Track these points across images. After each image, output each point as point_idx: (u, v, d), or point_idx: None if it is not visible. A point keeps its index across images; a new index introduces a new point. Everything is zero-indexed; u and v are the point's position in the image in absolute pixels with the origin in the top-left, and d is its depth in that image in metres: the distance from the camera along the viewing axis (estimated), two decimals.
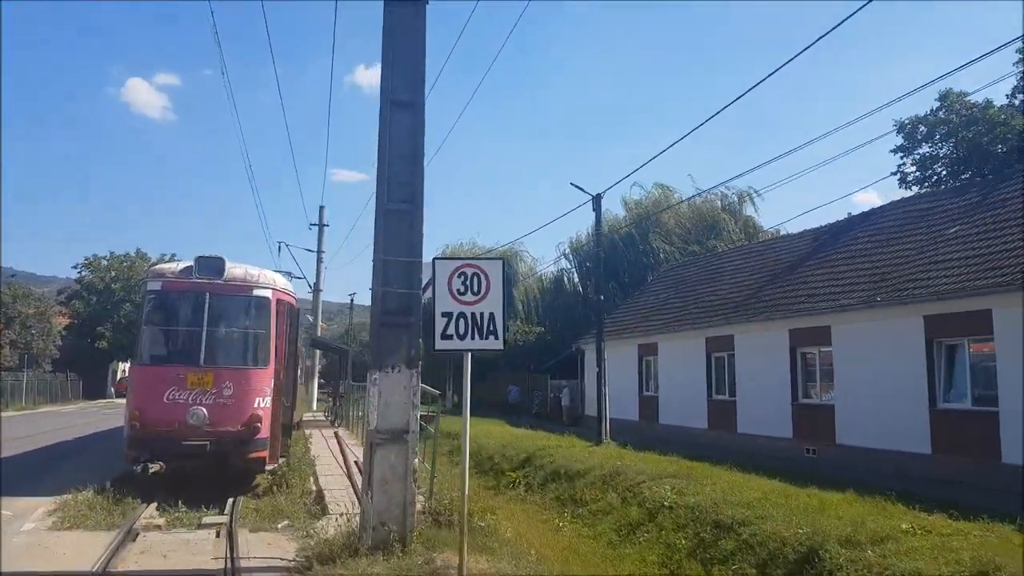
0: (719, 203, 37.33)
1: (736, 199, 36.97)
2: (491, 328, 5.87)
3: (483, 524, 7.55)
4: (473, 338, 5.88)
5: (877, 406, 14.78)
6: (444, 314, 5.89)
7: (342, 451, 11.41)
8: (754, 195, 37.13)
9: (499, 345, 5.95)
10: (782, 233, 30.36)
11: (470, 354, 6.00)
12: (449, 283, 5.94)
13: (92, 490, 10.34)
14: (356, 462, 10.82)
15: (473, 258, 6.26)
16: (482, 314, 5.90)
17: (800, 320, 17.17)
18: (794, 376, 17.52)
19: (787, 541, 8.32)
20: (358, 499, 9.03)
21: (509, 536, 7.41)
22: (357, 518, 7.09)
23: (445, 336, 5.86)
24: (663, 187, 39.34)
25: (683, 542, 9.71)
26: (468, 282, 5.93)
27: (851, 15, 9.61)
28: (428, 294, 7.10)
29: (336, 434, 13.36)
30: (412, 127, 6.78)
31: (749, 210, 37.79)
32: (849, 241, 18.93)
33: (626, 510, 11.74)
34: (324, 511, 9.22)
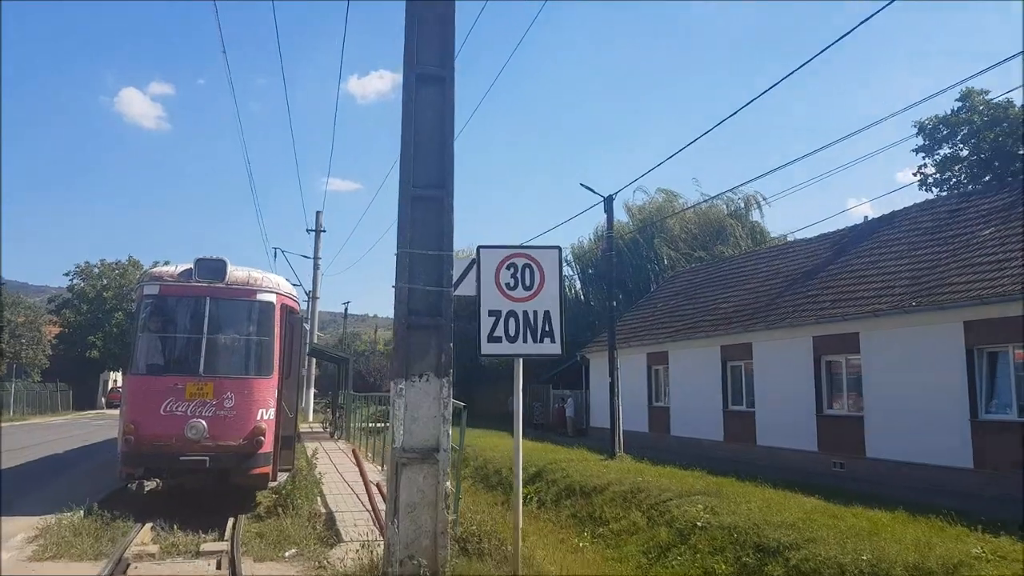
0: (725, 208, 36.71)
1: (743, 204, 36.39)
2: (547, 329, 5.00)
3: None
4: (526, 341, 5.01)
5: (912, 417, 14.04)
6: (491, 312, 5.04)
7: (360, 469, 10.58)
8: (761, 201, 36.58)
9: (557, 350, 5.09)
10: (789, 239, 29.74)
11: (521, 361, 5.16)
12: (496, 276, 5.09)
13: (79, 511, 9.46)
14: (378, 484, 9.98)
15: (524, 246, 5.42)
16: (535, 312, 5.04)
17: (825, 327, 16.44)
18: (819, 385, 16.77)
19: (846, 568, 7.55)
20: (377, 525, 8.21)
21: (553, 573, 6.55)
22: (378, 548, 6.27)
23: (492, 339, 5.02)
24: (667, 192, 38.79)
25: (723, 567, 8.94)
26: (519, 275, 5.08)
27: (868, 17, 8.99)
28: (457, 291, 6.31)
29: (354, 452, 12.57)
30: (440, 104, 5.99)
31: (756, 216, 37.25)
32: (872, 245, 18.25)
33: (654, 530, 10.96)
34: (337, 537, 8.35)
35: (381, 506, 8.69)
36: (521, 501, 5.48)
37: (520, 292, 5.13)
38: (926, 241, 16.33)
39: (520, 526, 5.38)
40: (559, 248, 5.37)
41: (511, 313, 5.10)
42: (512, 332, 5.07)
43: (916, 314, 13.99)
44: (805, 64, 9.67)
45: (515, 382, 5.22)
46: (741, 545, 9.21)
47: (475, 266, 6.70)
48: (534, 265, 5.15)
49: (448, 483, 5.81)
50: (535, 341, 5.09)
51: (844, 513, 9.80)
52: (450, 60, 6.03)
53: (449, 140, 5.98)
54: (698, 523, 10.26)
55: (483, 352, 5.12)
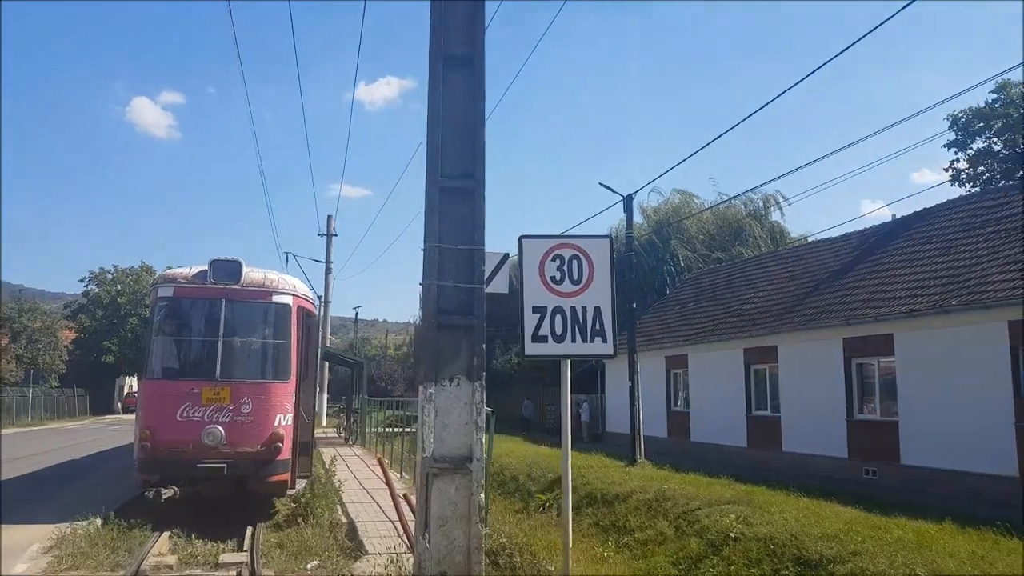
0: (744, 208, 36.05)
1: (762, 204, 35.70)
2: (597, 327, 4.55)
3: (552, 569, 6.36)
4: (574, 340, 4.54)
5: (950, 422, 13.50)
6: (536, 309, 4.56)
7: (387, 481, 10.26)
8: (781, 201, 35.86)
9: (608, 350, 4.64)
10: (810, 240, 29.15)
11: (568, 363, 4.73)
12: (541, 268, 4.61)
13: (96, 520, 9.21)
14: (404, 495, 9.63)
15: (571, 235, 4.98)
16: (584, 308, 4.58)
17: (856, 328, 15.91)
18: (849, 389, 16.24)
19: None
20: (406, 538, 7.85)
21: None
22: (406, 561, 5.90)
23: (537, 338, 4.55)
24: (683, 193, 38.16)
25: None
26: (566, 267, 4.60)
27: (894, 14, 8.53)
28: (488, 288, 5.92)
29: (380, 461, 12.29)
30: (470, 88, 5.57)
31: (775, 216, 36.49)
32: (902, 243, 17.70)
33: (683, 541, 10.52)
34: (361, 549, 7.99)
35: (407, 517, 8.34)
36: (571, 518, 5.07)
37: (567, 286, 4.64)
38: (963, 238, 15.77)
39: (570, 545, 4.98)
40: (610, 237, 4.90)
41: (558, 309, 4.61)
42: (559, 331, 4.59)
43: (955, 314, 13.47)
44: (828, 62, 9.24)
45: (562, 386, 4.75)
46: (779, 557, 8.74)
47: (505, 262, 6.33)
48: (582, 256, 4.68)
49: (482, 495, 5.43)
50: (584, 340, 4.62)
51: (887, 524, 9.31)
52: (480, 39, 5.63)
53: (480, 126, 5.58)
54: (731, 534, 9.80)
55: (527, 353, 4.67)
